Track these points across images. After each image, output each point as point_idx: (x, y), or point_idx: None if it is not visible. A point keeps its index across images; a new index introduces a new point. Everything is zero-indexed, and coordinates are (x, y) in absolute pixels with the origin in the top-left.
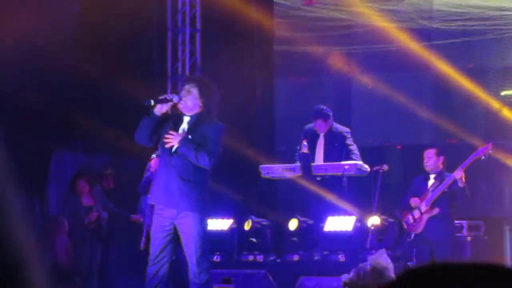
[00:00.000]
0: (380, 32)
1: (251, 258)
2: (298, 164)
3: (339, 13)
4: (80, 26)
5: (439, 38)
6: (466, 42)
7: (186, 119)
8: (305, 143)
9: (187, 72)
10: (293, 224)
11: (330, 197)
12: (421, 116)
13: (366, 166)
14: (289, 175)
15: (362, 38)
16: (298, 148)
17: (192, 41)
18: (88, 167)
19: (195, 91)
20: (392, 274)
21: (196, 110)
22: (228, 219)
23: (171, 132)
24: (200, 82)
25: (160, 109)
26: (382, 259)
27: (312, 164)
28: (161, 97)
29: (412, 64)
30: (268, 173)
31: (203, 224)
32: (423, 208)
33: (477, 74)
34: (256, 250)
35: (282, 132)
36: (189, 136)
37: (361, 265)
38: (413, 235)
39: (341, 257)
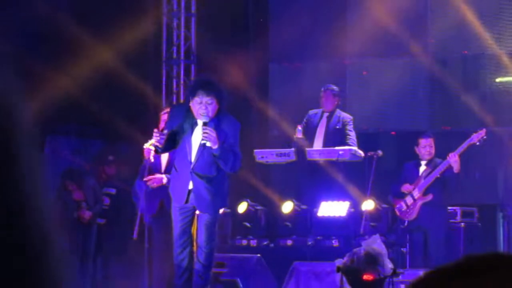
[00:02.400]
0: (376, 18)
1: (244, 242)
2: (292, 149)
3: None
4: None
5: (435, 25)
6: (461, 28)
7: (201, 122)
8: (300, 128)
9: (182, 56)
10: (288, 206)
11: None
12: (416, 102)
13: (361, 152)
14: (283, 160)
15: (358, 23)
16: (294, 133)
17: (187, 25)
18: (73, 165)
19: (215, 101)
20: (386, 260)
21: (214, 115)
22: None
23: (208, 129)
24: (217, 92)
25: (162, 144)
26: (376, 245)
27: (307, 149)
28: (156, 142)
29: (408, 51)
30: (262, 157)
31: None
32: (416, 194)
33: (472, 60)
34: (250, 234)
35: (275, 117)
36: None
37: (355, 250)
38: (406, 221)
39: (335, 242)
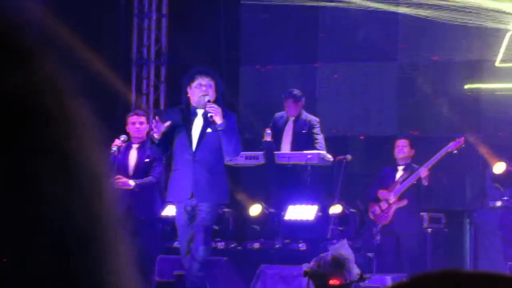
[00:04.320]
0: (346, 21)
1: (212, 245)
2: (261, 152)
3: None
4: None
5: (405, 29)
6: (431, 34)
7: (200, 111)
8: (269, 131)
9: (152, 57)
10: (256, 209)
11: (293, 186)
12: (385, 107)
13: (330, 156)
14: (252, 162)
15: (329, 26)
16: (264, 136)
17: (158, 26)
18: None
19: (213, 84)
20: (353, 265)
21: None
22: None
23: (212, 104)
24: (214, 74)
25: (159, 134)
26: (343, 250)
27: (275, 152)
28: (153, 132)
29: (377, 55)
30: (231, 160)
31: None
32: (391, 199)
33: (441, 66)
34: (217, 237)
35: (246, 120)
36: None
37: (322, 254)
38: (379, 225)
39: (302, 246)
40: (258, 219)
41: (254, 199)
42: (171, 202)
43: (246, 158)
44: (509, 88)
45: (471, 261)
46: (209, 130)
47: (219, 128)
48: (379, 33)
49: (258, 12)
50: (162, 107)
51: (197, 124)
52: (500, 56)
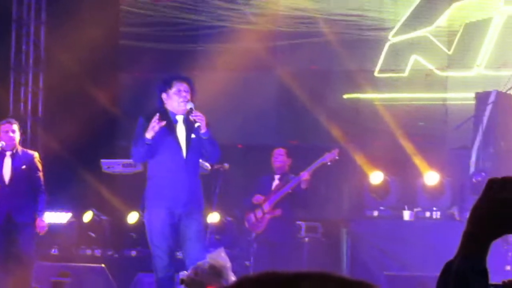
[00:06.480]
0: (226, 32)
1: (89, 252)
2: None
3: (184, 12)
4: None
5: (283, 39)
6: (310, 44)
7: (180, 118)
8: None
9: (31, 64)
10: (133, 217)
11: None
12: (263, 116)
13: (207, 164)
14: (130, 170)
15: (208, 37)
16: None
17: (36, 33)
18: None
19: (189, 90)
20: (230, 273)
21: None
22: (67, 212)
23: (198, 113)
24: (191, 81)
25: (154, 133)
26: (220, 258)
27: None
28: (150, 130)
29: (256, 65)
30: (109, 168)
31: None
32: (266, 208)
33: (320, 76)
34: (94, 244)
35: (124, 127)
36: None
37: (199, 263)
38: (254, 234)
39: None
40: (135, 227)
41: (131, 207)
42: (152, 210)
43: (124, 166)
44: (387, 98)
45: (347, 270)
46: (193, 136)
47: (204, 137)
48: (259, 42)
49: (138, 20)
50: (40, 114)
51: (181, 130)
52: (379, 66)
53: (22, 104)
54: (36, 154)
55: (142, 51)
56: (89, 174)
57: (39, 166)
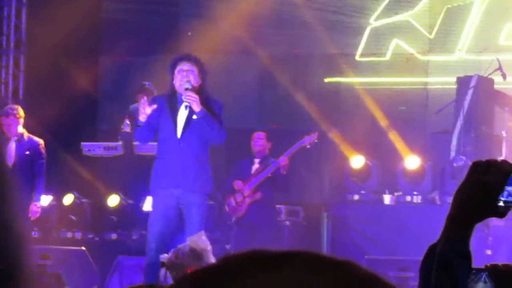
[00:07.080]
0: (208, 15)
1: (69, 235)
2: (120, 143)
3: None
4: None
5: (265, 23)
6: (291, 28)
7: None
8: (128, 122)
9: (12, 46)
10: (114, 200)
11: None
12: (245, 100)
13: None
14: (110, 153)
15: (191, 20)
16: (122, 127)
17: (17, 15)
18: None
19: (196, 69)
20: (210, 256)
21: (198, 86)
22: (48, 195)
23: (190, 93)
24: (197, 60)
25: (144, 117)
26: (201, 241)
27: (134, 143)
28: (141, 113)
29: (237, 48)
30: (89, 150)
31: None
32: (246, 192)
33: (301, 60)
34: (75, 227)
35: (105, 110)
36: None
37: (180, 246)
38: (234, 218)
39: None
40: (116, 210)
41: (112, 190)
42: (153, 191)
43: (104, 148)
44: (368, 82)
45: (328, 253)
46: (195, 117)
47: (197, 116)
48: (240, 26)
49: (119, 3)
50: (21, 96)
51: (183, 111)
52: (360, 50)
53: (3, 86)
54: (41, 141)
55: (124, 35)
56: (70, 156)
57: (43, 153)
